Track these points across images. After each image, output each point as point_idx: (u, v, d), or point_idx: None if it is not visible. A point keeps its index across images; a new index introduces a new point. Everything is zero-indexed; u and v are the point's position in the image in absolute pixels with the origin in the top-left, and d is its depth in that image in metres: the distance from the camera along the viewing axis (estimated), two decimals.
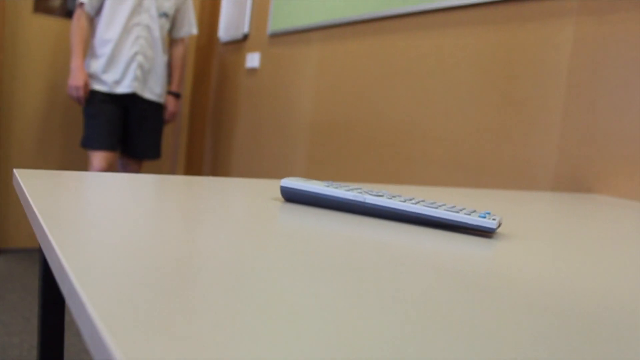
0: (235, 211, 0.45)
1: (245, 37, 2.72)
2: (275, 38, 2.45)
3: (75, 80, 2.35)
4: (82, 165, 2.96)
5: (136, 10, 2.40)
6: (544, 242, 0.46)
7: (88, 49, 2.44)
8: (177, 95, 2.62)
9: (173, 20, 2.59)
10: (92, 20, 2.43)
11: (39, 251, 0.54)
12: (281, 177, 2.33)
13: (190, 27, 2.64)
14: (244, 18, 2.72)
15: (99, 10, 2.41)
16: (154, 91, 2.50)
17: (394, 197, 0.47)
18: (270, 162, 2.42)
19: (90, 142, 2.40)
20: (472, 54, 1.50)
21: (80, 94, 2.36)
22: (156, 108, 2.56)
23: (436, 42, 1.61)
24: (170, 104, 2.60)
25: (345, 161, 1.95)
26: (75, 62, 2.36)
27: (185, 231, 0.35)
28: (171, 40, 2.65)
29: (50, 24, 2.80)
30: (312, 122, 2.14)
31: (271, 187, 0.63)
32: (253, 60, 2.62)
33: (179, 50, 2.65)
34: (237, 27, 2.78)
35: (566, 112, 1.28)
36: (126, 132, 2.54)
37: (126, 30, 2.38)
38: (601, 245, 0.48)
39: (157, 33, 2.45)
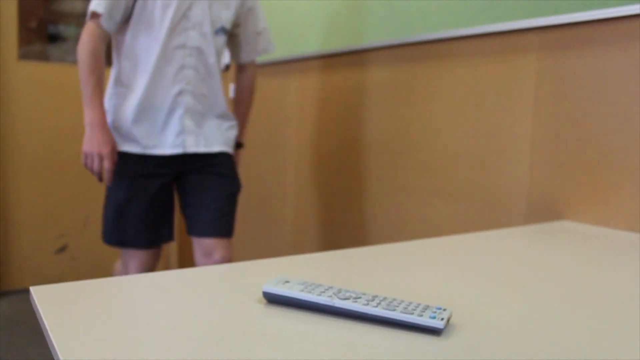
0: (220, 322, 0.53)
1: (227, 68, 2.79)
2: (256, 69, 2.52)
3: (94, 145, 1.43)
4: (75, 213, 3.02)
5: (180, 24, 1.52)
6: (492, 335, 0.54)
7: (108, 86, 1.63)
8: (240, 146, 1.81)
9: (232, 35, 1.75)
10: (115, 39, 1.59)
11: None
12: (271, 210, 2.41)
13: (267, 44, 1.79)
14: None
15: (124, 25, 1.55)
16: (217, 140, 1.65)
17: (358, 298, 0.56)
18: (258, 193, 2.50)
19: (118, 239, 1.60)
20: (444, 86, 1.58)
21: (109, 165, 1.45)
22: (224, 161, 1.67)
23: (411, 74, 1.69)
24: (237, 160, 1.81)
25: (331, 189, 2.03)
26: (92, 115, 1.44)
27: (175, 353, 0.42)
28: (236, 66, 1.84)
29: (35, 70, 2.87)
30: (296, 152, 2.22)
31: (256, 279, 0.71)
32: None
33: (246, 80, 1.82)
34: None
35: (534, 142, 1.36)
36: (185, 204, 1.66)
37: (164, 57, 1.52)
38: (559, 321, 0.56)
39: (212, 58, 1.59)
